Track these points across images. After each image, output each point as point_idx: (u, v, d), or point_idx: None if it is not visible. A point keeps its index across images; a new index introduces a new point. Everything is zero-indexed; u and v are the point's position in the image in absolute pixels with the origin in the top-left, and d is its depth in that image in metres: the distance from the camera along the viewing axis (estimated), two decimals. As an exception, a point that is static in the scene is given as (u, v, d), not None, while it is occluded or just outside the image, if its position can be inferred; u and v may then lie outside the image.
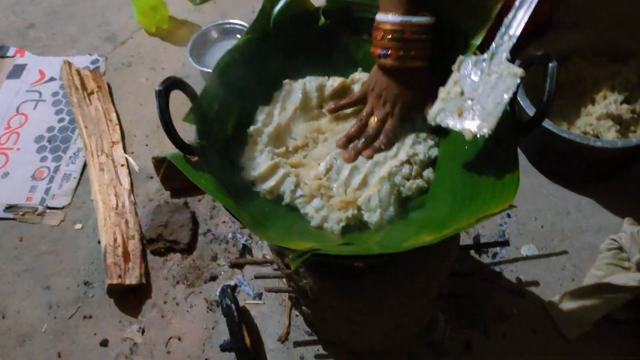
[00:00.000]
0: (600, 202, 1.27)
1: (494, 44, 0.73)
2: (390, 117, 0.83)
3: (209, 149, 0.78)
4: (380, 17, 0.79)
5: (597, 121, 1.20)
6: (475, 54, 0.79)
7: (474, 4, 0.80)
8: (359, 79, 0.90)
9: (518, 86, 0.70)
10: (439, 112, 0.75)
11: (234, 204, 0.72)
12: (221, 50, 1.60)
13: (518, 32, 0.72)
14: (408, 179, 0.79)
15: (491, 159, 0.73)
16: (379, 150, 0.83)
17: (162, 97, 0.72)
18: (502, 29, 0.73)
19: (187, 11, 1.81)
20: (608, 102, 1.21)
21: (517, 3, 0.72)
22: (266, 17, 0.87)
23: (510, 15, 0.73)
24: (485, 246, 1.09)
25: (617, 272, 1.09)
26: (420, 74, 0.82)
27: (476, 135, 0.70)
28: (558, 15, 1.48)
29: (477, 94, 0.73)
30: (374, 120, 0.84)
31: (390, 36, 0.78)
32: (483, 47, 0.77)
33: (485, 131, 0.70)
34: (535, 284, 1.17)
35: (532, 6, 0.72)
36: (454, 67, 0.76)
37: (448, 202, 0.74)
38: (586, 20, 1.41)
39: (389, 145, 0.83)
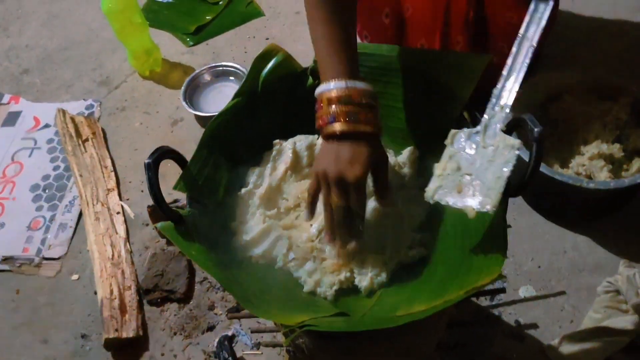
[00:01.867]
0: (596, 240, 1.27)
1: (486, 116, 0.73)
2: (352, 192, 0.75)
3: (200, 216, 0.79)
4: (322, 87, 0.76)
5: (589, 161, 1.20)
6: (465, 122, 0.79)
7: (458, 62, 0.81)
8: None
9: (517, 158, 0.69)
10: (437, 190, 0.73)
11: (224, 277, 0.72)
12: (214, 93, 1.63)
13: (510, 102, 0.72)
14: (410, 248, 0.79)
15: (482, 222, 0.73)
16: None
17: (152, 169, 0.73)
18: (493, 100, 0.73)
19: (180, 53, 1.83)
20: (599, 141, 1.22)
21: (504, 73, 0.72)
22: (255, 79, 0.88)
23: (499, 86, 0.73)
24: (484, 294, 1.09)
25: (614, 315, 1.09)
26: (370, 141, 0.75)
27: (479, 212, 0.69)
28: (547, 54, 1.49)
29: (475, 168, 0.71)
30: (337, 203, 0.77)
31: (336, 102, 0.73)
32: (475, 119, 0.77)
33: (489, 208, 0.68)
34: (534, 326, 1.16)
35: (522, 75, 0.72)
36: (447, 141, 0.76)
37: (442, 268, 0.74)
38: (575, 58, 1.42)
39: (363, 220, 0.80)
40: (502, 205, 0.70)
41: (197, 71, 1.64)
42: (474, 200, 0.70)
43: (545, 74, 1.33)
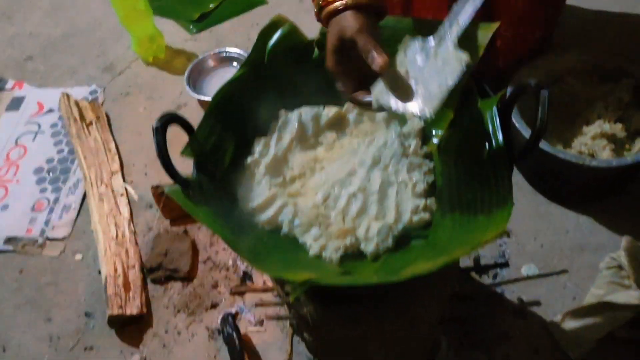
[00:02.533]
0: (598, 220, 1.27)
1: (441, 30, 0.74)
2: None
3: (207, 181, 0.79)
4: None
5: (591, 141, 1.21)
6: (472, 92, 0.80)
7: (465, 31, 0.81)
8: (354, 108, 0.91)
9: (464, 73, 0.70)
10: (382, 92, 0.74)
11: (231, 236, 0.72)
12: (218, 78, 1.64)
13: (466, 22, 0.73)
14: (415, 213, 0.79)
15: (487, 185, 0.73)
16: None
17: (159, 133, 0.73)
18: (451, 16, 0.74)
19: (183, 40, 1.84)
20: (602, 121, 1.22)
21: None
22: (261, 50, 0.89)
23: (459, 4, 0.74)
24: (486, 269, 1.10)
25: (617, 291, 1.09)
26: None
27: (418, 116, 0.71)
28: (552, 41, 1.50)
29: (422, 76, 0.72)
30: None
31: None
32: (482, 90, 0.77)
33: (428, 114, 0.70)
34: (537, 303, 1.17)
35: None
36: (400, 46, 0.75)
37: (447, 229, 0.74)
38: (578, 42, 1.43)
39: None
40: (507, 164, 0.71)
41: (200, 57, 1.65)
42: (415, 106, 0.71)
43: (547, 56, 1.34)
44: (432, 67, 0.72)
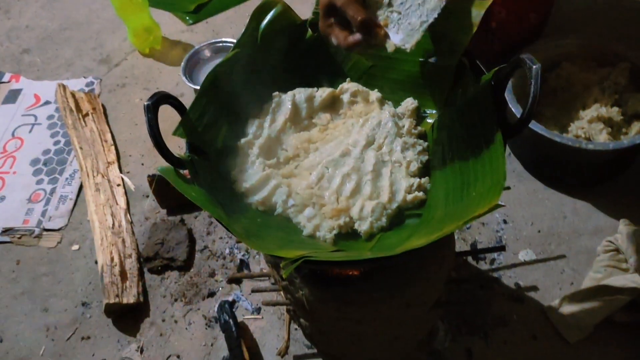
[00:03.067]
0: (595, 205, 1.27)
1: None
2: None
3: (200, 162, 0.79)
4: None
5: (588, 124, 1.20)
6: (465, 69, 0.80)
7: (457, 8, 0.81)
8: (348, 88, 0.90)
9: (443, 9, 0.72)
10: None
11: (225, 216, 0.72)
12: (214, 68, 1.64)
13: None
14: (409, 192, 0.79)
15: (480, 161, 0.73)
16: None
17: (151, 111, 0.73)
18: None
19: (180, 31, 1.83)
20: (599, 105, 1.22)
21: None
22: (254, 30, 0.88)
23: None
24: (482, 252, 1.09)
25: (615, 274, 1.09)
26: None
27: (398, 48, 0.72)
28: (547, 27, 1.50)
29: (404, 8, 0.74)
30: None
31: None
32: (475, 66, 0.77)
33: (408, 47, 0.71)
34: (534, 289, 1.16)
35: None
36: None
37: (441, 207, 0.74)
38: (574, 27, 1.42)
39: None
40: (501, 140, 0.70)
41: (197, 47, 1.64)
42: (396, 36, 0.73)
43: (544, 42, 1.34)
44: (414, 0, 0.74)
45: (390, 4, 0.75)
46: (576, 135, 1.21)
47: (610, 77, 1.26)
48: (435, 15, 0.72)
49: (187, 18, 1.84)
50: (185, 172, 0.76)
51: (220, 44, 1.66)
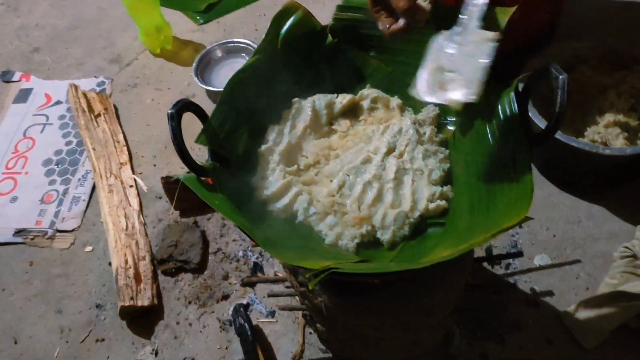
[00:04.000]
0: (611, 209, 1.26)
1: (462, 16, 0.75)
2: None
3: (221, 169, 0.79)
4: None
5: (605, 129, 1.20)
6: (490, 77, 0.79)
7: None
8: (368, 94, 0.90)
9: (495, 51, 0.71)
10: (422, 90, 0.75)
11: (248, 225, 0.72)
12: (226, 69, 1.63)
13: (484, 3, 0.73)
14: (431, 201, 0.79)
15: (506, 171, 0.73)
16: None
17: (174, 120, 0.72)
18: (466, 1, 0.74)
19: (191, 31, 1.83)
20: (615, 110, 1.21)
21: None
22: (274, 37, 0.88)
23: None
24: (499, 258, 1.09)
25: (631, 280, 1.08)
26: None
27: (464, 103, 0.71)
28: (560, 27, 1.49)
29: (457, 65, 0.74)
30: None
31: None
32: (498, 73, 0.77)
33: (473, 97, 0.70)
34: (550, 293, 1.16)
35: None
36: (429, 44, 0.77)
37: (466, 216, 0.74)
38: (588, 30, 1.41)
39: None
40: (527, 149, 0.70)
41: (208, 47, 1.64)
42: (458, 93, 0.72)
43: (559, 45, 1.33)
44: (463, 54, 0.73)
45: (441, 68, 0.75)
46: (592, 140, 1.20)
47: (626, 81, 1.26)
48: (490, 59, 0.71)
49: (198, 17, 1.84)
50: (207, 178, 0.76)
51: (232, 44, 1.66)
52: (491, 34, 0.72)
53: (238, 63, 1.63)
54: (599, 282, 1.15)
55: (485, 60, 0.71)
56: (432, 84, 0.74)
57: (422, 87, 0.75)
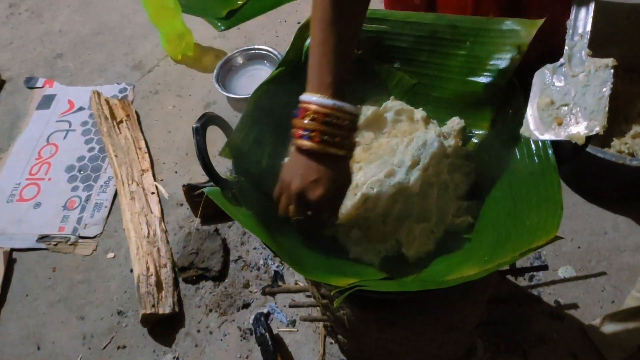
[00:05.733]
0: (637, 220, 1.24)
1: (566, 48, 0.73)
2: (313, 208, 0.73)
3: (245, 182, 0.78)
4: (307, 96, 0.71)
5: (632, 140, 1.18)
6: (516, 88, 0.78)
7: (506, 28, 0.80)
8: (392, 107, 0.89)
9: (614, 76, 0.68)
10: (535, 129, 0.72)
11: (272, 240, 0.71)
12: (247, 76, 1.63)
13: (588, 28, 0.71)
14: (456, 216, 0.78)
15: (534, 187, 0.71)
16: None
17: (199, 134, 0.72)
18: (570, 31, 0.73)
19: (212, 37, 1.83)
20: (642, 120, 1.19)
21: (574, 5, 0.72)
22: (298, 48, 0.87)
23: (572, 17, 0.72)
24: (524, 271, 1.07)
25: (659, 294, 1.06)
26: (339, 164, 0.72)
27: (590, 137, 0.68)
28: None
29: (571, 97, 0.71)
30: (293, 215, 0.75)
31: (316, 118, 0.68)
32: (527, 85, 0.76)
33: (598, 129, 0.66)
34: (575, 306, 1.15)
35: (592, 3, 0.71)
36: (533, 81, 0.75)
37: (492, 232, 0.72)
38: (615, 38, 1.39)
39: None
40: (554, 165, 0.69)
41: (229, 54, 1.65)
42: (580, 126, 0.68)
43: (585, 53, 1.31)
44: (577, 85, 0.70)
45: (552, 102, 0.72)
46: (619, 151, 1.18)
47: (654, 91, 1.24)
48: (611, 86, 0.68)
49: (219, 24, 1.85)
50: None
51: (253, 51, 1.66)
52: (606, 61, 0.69)
53: (259, 70, 1.63)
54: (625, 295, 1.13)
55: (605, 89, 0.68)
56: (546, 121, 0.72)
57: (535, 125, 0.72)
